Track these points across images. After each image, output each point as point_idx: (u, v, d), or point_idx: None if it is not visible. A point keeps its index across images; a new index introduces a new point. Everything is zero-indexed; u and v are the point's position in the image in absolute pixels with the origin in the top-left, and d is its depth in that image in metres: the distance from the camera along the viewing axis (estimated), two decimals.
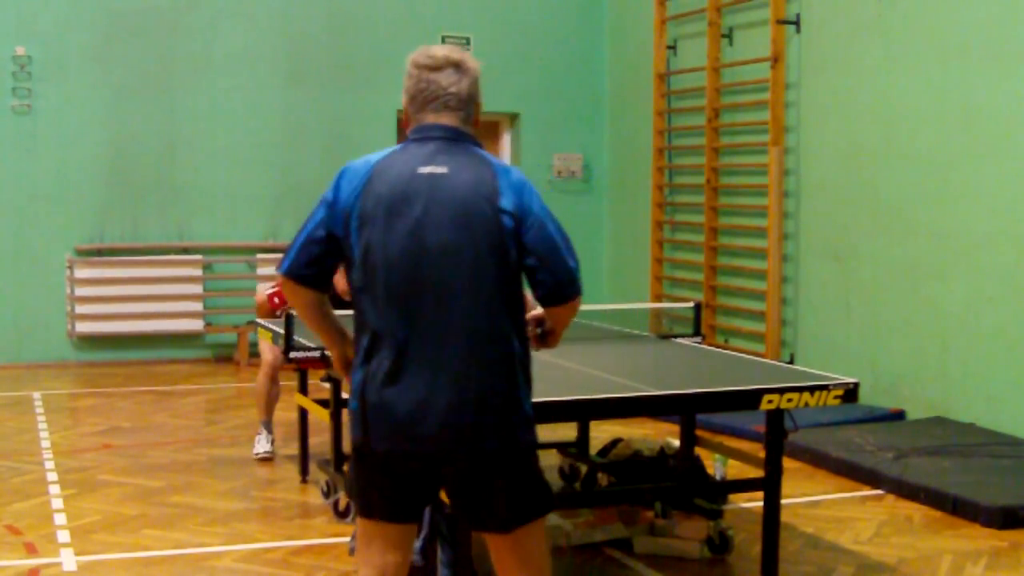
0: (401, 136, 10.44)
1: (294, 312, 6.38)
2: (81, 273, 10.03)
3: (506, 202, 2.90)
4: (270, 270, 10.33)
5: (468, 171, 2.92)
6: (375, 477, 2.99)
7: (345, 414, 5.40)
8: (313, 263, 2.98)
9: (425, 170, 2.92)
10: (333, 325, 3.15)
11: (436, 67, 3.00)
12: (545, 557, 3.08)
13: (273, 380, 6.43)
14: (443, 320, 2.88)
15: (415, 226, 2.88)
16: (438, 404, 2.87)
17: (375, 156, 3.01)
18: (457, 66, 3.01)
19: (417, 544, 4.18)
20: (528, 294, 3.07)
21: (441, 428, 2.87)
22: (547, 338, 3.20)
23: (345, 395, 5.64)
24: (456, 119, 3.00)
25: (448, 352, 2.87)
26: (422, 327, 2.88)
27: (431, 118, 3.00)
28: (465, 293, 2.88)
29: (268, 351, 6.33)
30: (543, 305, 3.04)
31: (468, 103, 3.02)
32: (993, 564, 4.79)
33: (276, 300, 6.37)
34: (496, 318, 2.91)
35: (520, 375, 2.96)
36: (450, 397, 2.87)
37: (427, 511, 4.34)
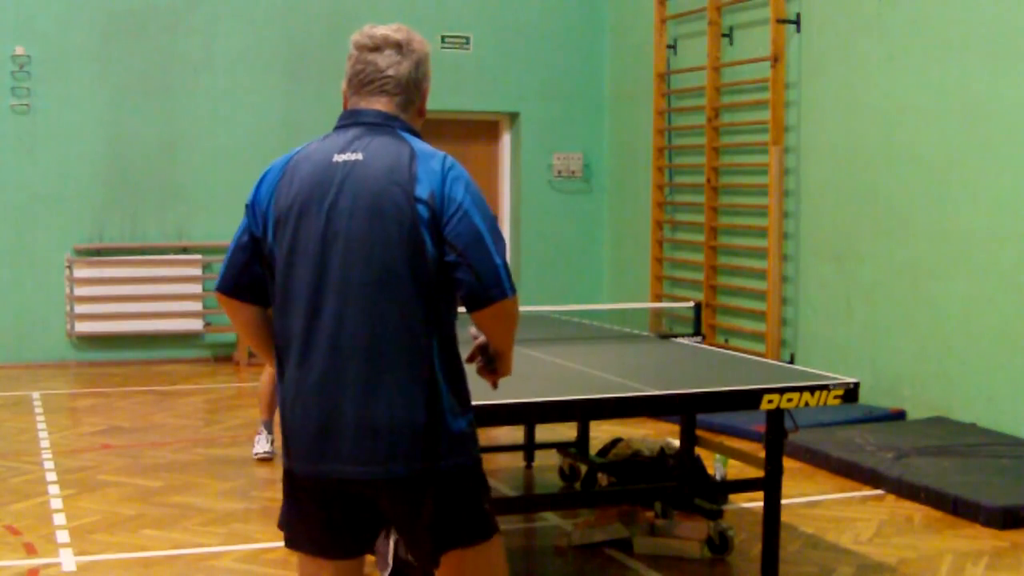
0: None
1: None
2: (80, 273, 10.02)
3: (422, 190, 2.57)
4: None
5: (384, 157, 2.62)
6: (302, 505, 2.71)
7: None
8: (243, 272, 2.73)
9: (340, 158, 2.65)
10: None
11: (375, 47, 2.74)
12: None
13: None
14: (350, 325, 2.57)
15: (326, 219, 2.60)
16: (346, 421, 2.57)
17: (296, 149, 2.75)
18: (398, 46, 2.74)
19: None
20: (472, 328, 2.74)
21: (352, 448, 2.57)
22: (495, 364, 2.76)
23: None
24: (391, 104, 2.72)
25: (356, 361, 2.57)
26: (328, 333, 2.58)
27: (364, 103, 2.73)
28: (374, 294, 2.57)
29: None
30: (468, 311, 2.64)
31: (407, 87, 2.73)
32: (994, 564, 4.78)
33: None
34: (411, 322, 2.57)
35: (444, 387, 2.60)
36: (358, 413, 2.56)
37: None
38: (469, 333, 2.74)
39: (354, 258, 2.58)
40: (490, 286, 2.57)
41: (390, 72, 2.72)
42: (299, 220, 2.62)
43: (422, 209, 2.57)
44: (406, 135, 2.69)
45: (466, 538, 2.65)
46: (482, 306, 2.60)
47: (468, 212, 2.58)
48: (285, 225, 2.64)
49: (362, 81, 2.74)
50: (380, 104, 2.72)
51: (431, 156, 2.64)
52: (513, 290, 2.62)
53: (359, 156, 2.64)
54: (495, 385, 2.83)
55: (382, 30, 2.76)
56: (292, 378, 2.64)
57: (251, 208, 2.74)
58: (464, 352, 2.73)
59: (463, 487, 2.65)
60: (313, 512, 2.69)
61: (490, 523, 2.71)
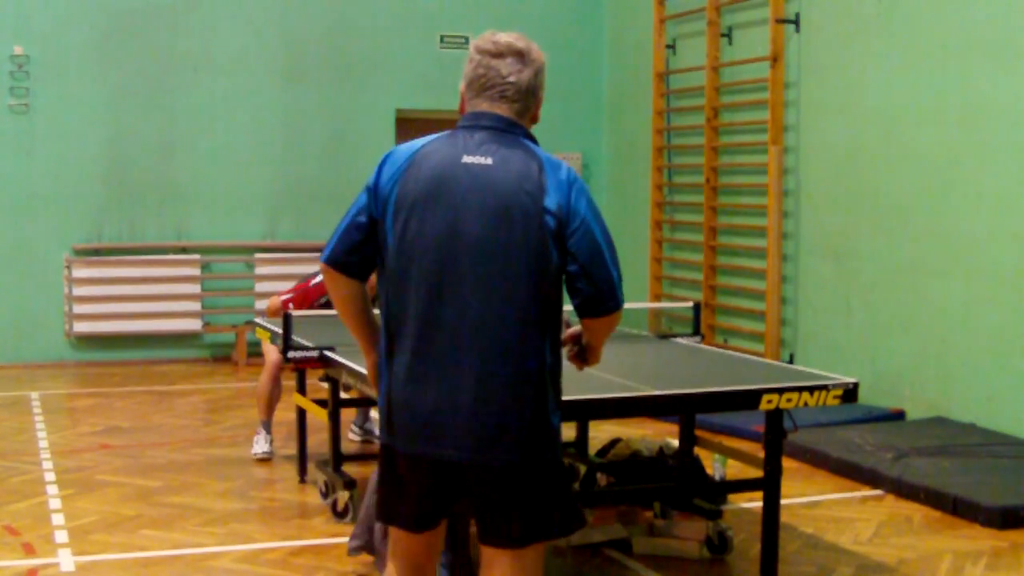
0: (400, 135, 10.38)
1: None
2: (79, 273, 10.02)
3: (551, 201, 2.73)
4: (268, 270, 10.34)
5: (514, 164, 2.76)
6: (400, 482, 2.85)
7: (344, 414, 5.41)
8: (354, 250, 2.85)
9: (469, 159, 2.77)
10: (372, 326, 2.97)
11: (498, 54, 2.84)
12: None
13: (275, 380, 6.42)
14: (471, 318, 2.72)
15: (452, 216, 2.73)
16: (460, 407, 2.72)
17: (420, 141, 2.87)
18: (520, 55, 2.84)
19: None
20: (565, 312, 2.91)
21: (463, 434, 2.73)
22: (586, 355, 3.03)
23: (344, 395, 5.65)
24: (511, 110, 2.85)
25: (473, 354, 2.72)
26: (449, 323, 2.73)
27: (485, 106, 2.84)
28: (497, 293, 2.71)
29: (272, 351, 6.31)
30: (579, 315, 2.85)
31: (527, 95, 2.85)
32: (993, 564, 4.78)
33: (291, 306, 6.34)
34: (528, 325, 2.73)
35: (549, 389, 2.79)
36: (472, 402, 2.72)
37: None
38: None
39: (481, 256, 2.71)
40: (606, 298, 2.79)
41: (511, 79, 2.83)
42: (424, 212, 2.75)
43: (549, 220, 2.72)
44: (530, 144, 2.84)
45: (548, 531, 2.82)
46: (597, 315, 2.82)
47: (591, 226, 2.76)
48: (409, 213, 2.76)
49: (483, 85, 2.85)
50: (501, 109, 2.84)
51: (558, 168, 2.79)
52: (623, 301, 2.83)
53: (489, 161, 2.76)
54: (581, 369, 3.09)
55: (505, 37, 2.87)
56: (407, 360, 2.77)
57: (373, 191, 2.84)
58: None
59: (555, 480, 2.83)
60: (409, 488, 2.83)
61: (578, 516, 2.92)
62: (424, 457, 2.78)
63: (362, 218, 2.84)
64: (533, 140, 2.88)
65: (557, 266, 2.75)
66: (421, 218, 2.75)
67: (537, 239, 2.72)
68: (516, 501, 2.77)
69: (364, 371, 4.23)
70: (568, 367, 3.01)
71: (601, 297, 2.78)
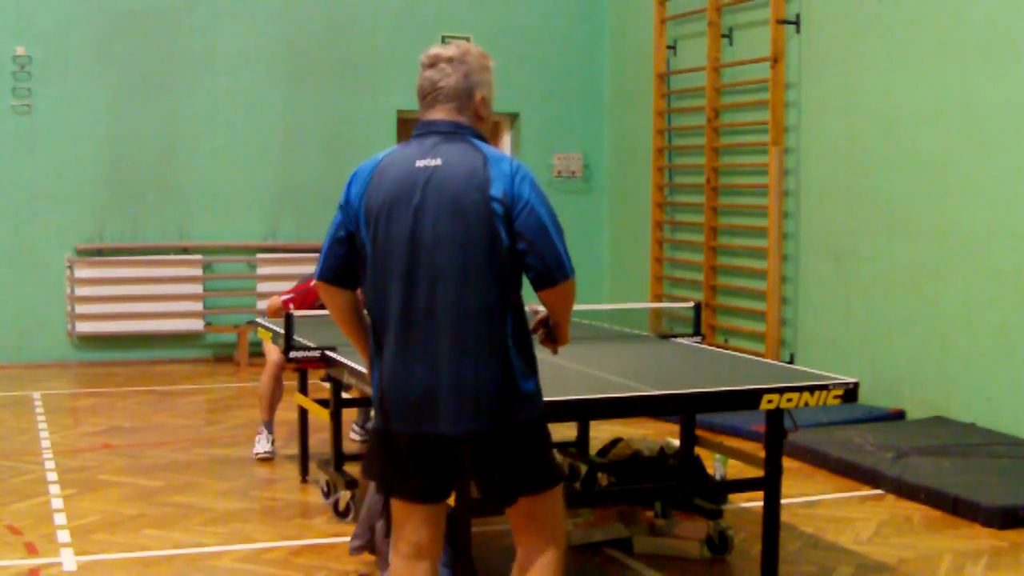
0: (401, 136, 10.44)
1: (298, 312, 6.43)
2: (81, 273, 10.03)
3: (496, 189, 3.01)
4: (270, 270, 10.36)
5: (461, 162, 3.05)
6: (398, 460, 3.11)
7: (346, 414, 5.42)
8: (341, 264, 3.16)
9: (422, 163, 3.06)
10: (367, 330, 3.25)
11: (430, 64, 3.15)
12: (559, 524, 3.21)
13: (277, 380, 6.43)
14: (441, 305, 3.01)
15: (413, 216, 3.02)
16: (441, 387, 3.01)
17: (381, 155, 3.17)
18: (449, 60, 3.13)
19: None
20: (533, 305, 3.15)
21: (447, 411, 3.01)
22: (554, 335, 3.29)
23: (345, 395, 5.66)
24: (448, 111, 3.13)
25: (447, 336, 3.01)
26: (423, 312, 3.02)
27: (429, 114, 3.15)
28: (458, 279, 3.00)
29: (273, 351, 6.33)
30: (536, 290, 3.11)
31: (459, 95, 3.12)
32: (993, 564, 4.79)
33: (292, 306, 6.35)
34: (488, 302, 3.02)
35: (515, 356, 3.06)
36: (450, 380, 3.01)
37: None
38: (529, 309, 3.22)
39: (441, 250, 3.01)
40: (554, 269, 3.05)
41: (440, 84, 3.14)
42: (389, 217, 3.05)
43: (496, 206, 3.01)
44: (476, 141, 3.12)
45: (539, 484, 3.14)
46: (548, 286, 3.07)
47: (535, 207, 3.03)
48: (377, 221, 3.07)
49: (422, 95, 3.18)
50: (440, 113, 3.14)
51: (501, 159, 3.08)
52: (572, 272, 3.09)
53: (438, 162, 3.06)
54: (555, 351, 3.37)
55: (438, 49, 3.18)
56: (392, 352, 3.06)
57: (345, 207, 3.16)
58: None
59: (533, 439, 3.13)
60: (409, 465, 3.11)
61: (556, 472, 3.21)
62: (419, 435, 3.05)
63: (341, 233, 3.16)
64: (480, 138, 3.15)
65: (508, 247, 3.04)
66: (388, 222, 3.05)
67: (488, 225, 3.01)
68: (500, 462, 3.09)
69: (365, 371, 4.36)
70: (544, 354, 3.29)
71: (550, 269, 3.04)
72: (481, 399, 3.01)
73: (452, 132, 3.11)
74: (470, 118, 3.14)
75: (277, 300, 6.50)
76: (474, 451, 3.06)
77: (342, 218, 3.15)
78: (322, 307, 6.30)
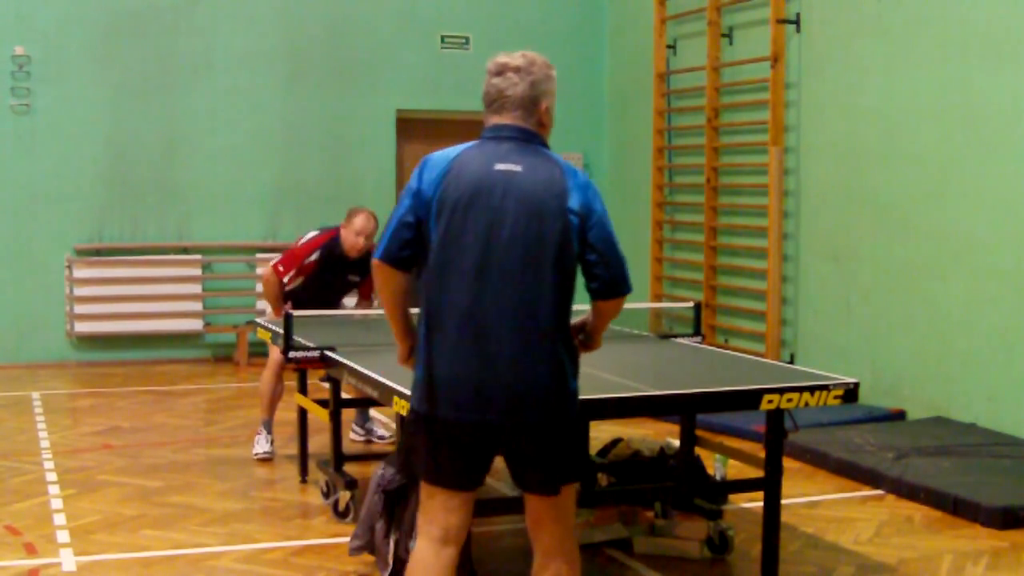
0: (401, 135, 10.40)
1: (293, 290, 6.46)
2: (80, 273, 10.03)
3: (574, 202, 3.18)
4: None
5: (540, 171, 3.19)
6: (439, 445, 3.21)
7: (346, 414, 5.41)
8: (405, 246, 3.24)
9: (501, 167, 3.19)
10: (408, 314, 3.38)
11: (498, 72, 3.28)
12: (573, 516, 3.36)
13: (278, 378, 6.43)
14: (506, 303, 3.13)
15: (492, 216, 3.15)
16: (500, 378, 3.13)
17: (453, 150, 3.26)
18: (517, 70, 3.26)
19: None
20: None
21: (503, 400, 3.13)
22: (588, 342, 3.45)
23: (346, 395, 5.66)
24: (515, 119, 3.25)
25: (508, 332, 3.13)
26: (487, 308, 3.14)
27: (496, 119, 3.28)
28: (528, 281, 3.14)
29: (275, 348, 6.32)
30: (596, 298, 3.30)
31: (525, 104, 3.25)
32: (993, 564, 4.78)
33: (281, 268, 6.43)
34: (551, 305, 3.16)
35: (566, 356, 3.21)
36: (509, 372, 3.13)
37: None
38: None
39: (515, 251, 3.14)
40: (620, 281, 3.28)
41: (508, 93, 3.26)
42: (466, 212, 3.16)
43: (573, 219, 3.18)
44: (548, 152, 3.28)
45: (575, 475, 3.30)
46: (611, 297, 3.29)
47: (604, 222, 3.23)
48: (452, 214, 3.17)
49: (490, 101, 3.29)
50: (508, 119, 3.26)
51: (575, 172, 3.26)
52: (631, 287, 3.29)
53: (519, 168, 3.20)
54: (586, 352, 3.47)
55: (506, 58, 3.30)
56: (452, 342, 3.16)
57: (417, 193, 3.23)
58: None
59: (577, 431, 3.35)
60: (454, 452, 3.21)
61: (589, 463, 3.47)
62: (469, 423, 3.16)
63: (410, 218, 3.23)
64: (547, 147, 3.30)
65: (575, 258, 3.21)
66: (463, 218, 3.16)
67: (563, 235, 3.16)
68: (549, 454, 3.22)
69: (365, 371, 4.45)
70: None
71: (616, 281, 3.26)
72: (535, 395, 3.14)
73: (525, 140, 3.24)
74: (535, 125, 3.27)
75: (268, 270, 6.52)
76: (524, 441, 3.19)
77: (412, 203, 3.22)
78: (309, 264, 6.34)
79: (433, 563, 3.24)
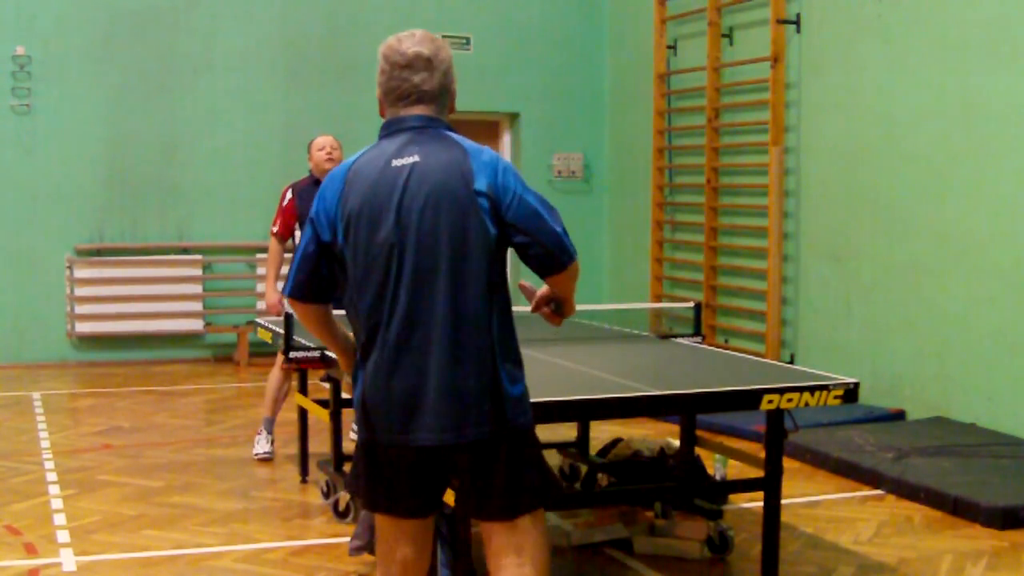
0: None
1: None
2: (81, 273, 10.03)
3: (481, 183, 2.89)
4: None
5: (440, 156, 2.92)
6: (382, 472, 2.98)
7: (346, 414, 5.41)
8: (312, 278, 3.03)
9: (398, 162, 2.92)
10: (340, 334, 3.21)
11: (407, 65, 2.98)
12: (544, 550, 3.01)
13: (287, 375, 6.43)
14: (426, 309, 2.87)
15: (395, 218, 2.88)
16: (428, 394, 2.87)
17: (351, 159, 3.02)
18: (428, 62, 2.98)
19: None
20: (532, 284, 3.09)
21: (434, 418, 2.87)
22: (561, 309, 3.17)
23: (347, 395, 5.66)
24: (428, 111, 3.00)
25: (431, 341, 2.87)
26: (407, 318, 2.88)
27: (403, 112, 3.01)
28: (445, 279, 2.87)
29: None
30: (543, 277, 3.02)
31: (440, 95, 3.01)
32: (993, 564, 4.78)
33: (275, 229, 6.69)
34: (476, 302, 2.89)
35: (500, 358, 2.92)
36: (437, 386, 2.86)
37: None
38: (518, 286, 3.12)
39: (425, 252, 2.87)
40: (558, 253, 2.94)
41: (424, 87, 2.99)
42: (370, 221, 2.90)
43: (483, 201, 2.88)
44: (450, 134, 2.99)
45: (536, 497, 2.97)
46: (556, 272, 2.97)
47: (523, 196, 2.91)
48: (356, 227, 2.92)
49: (399, 96, 3.00)
50: (418, 111, 2.99)
51: (480, 151, 2.95)
52: (575, 252, 2.99)
53: (416, 158, 2.92)
54: (559, 324, 3.20)
55: (412, 46, 2.99)
56: (375, 357, 2.92)
57: (316, 219, 3.00)
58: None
59: (528, 445, 2.99)
60: (395, 478, 2.96)
61: (554, 484, 3.04)
62: (402, 446, 2.91)
63: (311, 247, 3.01)
64: (452, 130, 3.02)
65: (497, 242, 2.91)
66: (368, 227, 2.90)
67: (475, 220, 2.87)
68: (498, 471, 2.92)
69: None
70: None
71: (553, 255, 2.94)
72: (470, 405, 2.86)
73: (423, 126, 2.97)
74: (445, 114, 3.04)
75: (272, 239, 6.69)
76: (471, 461, 2.92)
77: (312, 232, 3.00)
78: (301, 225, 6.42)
79: None
